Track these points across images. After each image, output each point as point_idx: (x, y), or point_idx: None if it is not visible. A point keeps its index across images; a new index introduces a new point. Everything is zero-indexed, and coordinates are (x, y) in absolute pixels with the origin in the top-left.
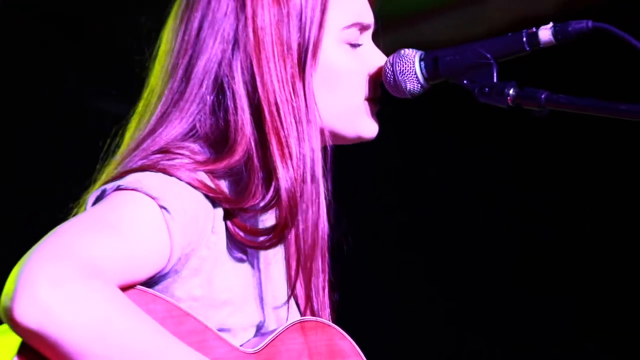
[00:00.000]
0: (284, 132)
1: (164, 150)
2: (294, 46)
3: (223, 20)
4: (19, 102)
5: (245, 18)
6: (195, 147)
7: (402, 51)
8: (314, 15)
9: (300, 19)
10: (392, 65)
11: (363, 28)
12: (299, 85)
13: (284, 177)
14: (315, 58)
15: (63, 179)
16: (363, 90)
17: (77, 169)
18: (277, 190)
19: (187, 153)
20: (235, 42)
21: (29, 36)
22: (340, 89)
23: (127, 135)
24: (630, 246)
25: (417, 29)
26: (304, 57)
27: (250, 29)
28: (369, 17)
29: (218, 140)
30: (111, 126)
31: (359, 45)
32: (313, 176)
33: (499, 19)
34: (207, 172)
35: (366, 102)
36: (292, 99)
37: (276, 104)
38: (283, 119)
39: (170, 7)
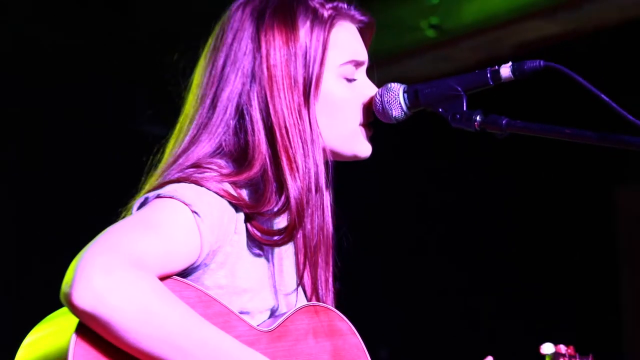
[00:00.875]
0: (292, 150)
1: (195, 165)
2: (300, 80)
3: (243, 59)
4: (84, 125)
5: (261, 57)
6: (221, 162)
7: (389, 85)
8: (316, 54)
9: (305, 58)
10: (381, 96)
11: (358, 64)
12: (304, 112)
13: (293, 187)
14: (318, 90)
15: (114, 189)
16: (358, 117)
17: (125, 181)
18: (288, 198)
19: (214, 167)
20: (253, 76)
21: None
22: (338, 115)
23: (166, 152)
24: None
25: (401, 65)
26: (308, 89)
27: (264, 66)
28: (362, 55)
29: (239, 156)
30: (153, 145)
31: (354, 79)
32: (317, 186)
33: (466, 59)
34: (231, 183)
35: (361, 127)
36: (298, 123)
37: (286, 127)
38: (291, 139)
39: (201, 49)
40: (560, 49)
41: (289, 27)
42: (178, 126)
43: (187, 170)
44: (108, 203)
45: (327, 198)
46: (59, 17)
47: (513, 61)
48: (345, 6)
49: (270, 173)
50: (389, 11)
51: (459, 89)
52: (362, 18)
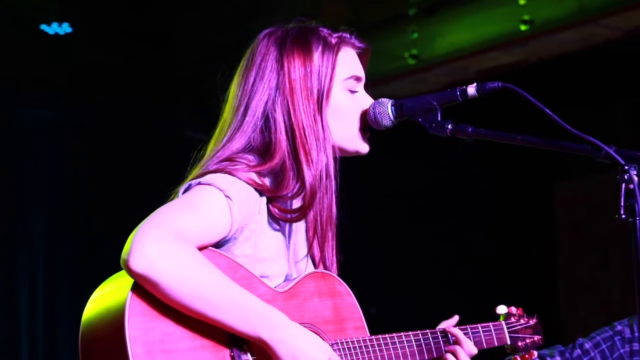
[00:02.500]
0: (308, 145)
1: (229, 159)
2: (315, 92)
3: (269, 75)
4: (142, 130)
5: (284, 73)
6: (249, 157)
7: (380, 100)
8: (327, 72)
9: (319, 75)
10: (373, 109)
11: (357, 79)
12: (318, 116)
13: (308, 175)
14: (328, 99)
15: (164, 179)
16: (358, 122)
17: (171, 174)
18: (303, 184)
19: (244, 161)
20: (277, 88)
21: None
22: (344, 120)
23: (209, 149)
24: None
25: (388, 86)
26: (321, 98)
27: (287, 80)
28: (361, 73)
29: (264, 151)
30: (193, 147)
31: (355, 91)
32: (328, 175)
33: (439, 82)
34: (256, 172)
35: (360, 131)
36: (313, 125)
37: (303, 128)
38: (308, 137)
39: (235, 68)
40: (513, 75)
41: (306, 51)
42: (218, 129)
43: (222, 163)
44: (158, 191)
45: (334, 185)
46: (118, 45)
47: (477, 83)
48: (348, 35)
49: (288, 164)
50: (378, 43)
51: (435, 103)
52: (361, 45)
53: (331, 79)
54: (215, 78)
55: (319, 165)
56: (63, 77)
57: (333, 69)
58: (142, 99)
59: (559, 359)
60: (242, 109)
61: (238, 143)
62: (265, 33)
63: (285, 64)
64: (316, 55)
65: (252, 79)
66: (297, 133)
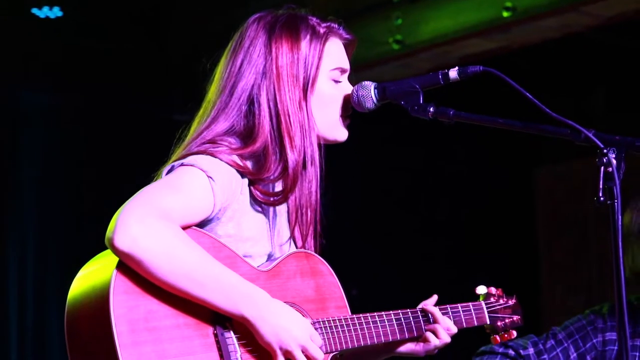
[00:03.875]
0: (292, 131)
1: (211, 141)
2: (301, 79)
3: (257, 59)
4: (131, 114)
5: (271, 59)
6: (231, 139)
7: (363, 82)
8: (313, 60)
9: (305, 62)
10: (356, 91)
11: (343, 71)
12: (303, 103)
13: (291, 159)
14: (314, 88)
15: (153, 162)
16: (339, 110)
17: (163, 156)
18: (286, 168)
19: (226, 143)
20: (264, 73)
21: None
22: (326, 108)
23: (192, 130)
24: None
25: (372, 71)
26: (306, 86)
27: (274, 66)
28: (346, 64)
29: (246, 134)
30: (178, 128)
31: (339, 82)
32: (312, 161)
33: (422, 67)
34: (238, 155)
35: (341, 118)
36: (298, 112)
37: (288, 114)
38: (292, 123)
39: (222, 51)
40: (495, 61)
41: (294, 38)
42: (202, 110)
43: (204, 145)
44: (147, 173)
45: (318, 171)
46: (108, 29)
47: (459, 66)
48: (336, 26)
49: (271, 148)
50: (363, 29)
51: (417, 86)
52: (347, 37)
53: (317, 68)
54: (206, 63)
55: (302, 151)
56: (54, 60)
57: (320, 58)
58: (132, 83)
59: (532, 350)
60: (227, 91)
61: (221, 125)
62: (255, 17)
63: (274, 50)
64: (304, 43)
65: (239, 62)
66: (282, 118)
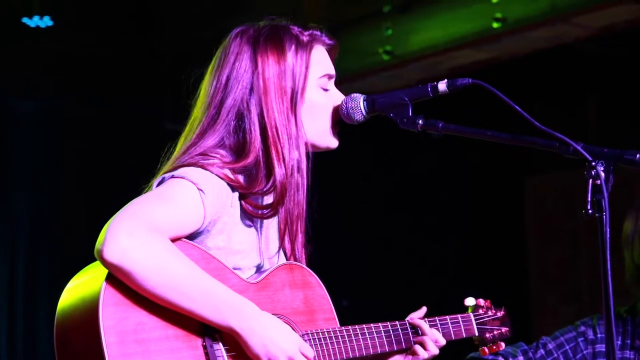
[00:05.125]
0: (280, 145)
1: (202, 154)
2: (289, 91)
3: (243, 74)
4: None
5: (258, 73)
6: (223, 152)
7: (353, 95)
8: (301, 70)
9: (293, 73)
10: (346, 104)
11: (330, 77)
12: (291, 115)
13: (279, 173)
14: (303, 98)
15: (143, 170)
16: (330, 118)
17: (153, 165)
18: (274, 181)
19: (217, 156)
20: (251, 88)
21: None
22: (317, 117)
23: (178, 146)
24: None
25: (362, 81)
26: (295, 97)
27: (260, 80)
28: (332, 70)
29: (238, 149)
30: (175, 138)
31: (327, 89)
32: (299, 170)
33: (412, 78)
34: (230, 169)
35: (331, 127)
36: (287, 124)
37: (276, 127)
38: (280, 136)
39: (207, 66)
40: (485, 72)
41: (279, 50)
42: (188, 127)
43: (195, 157)
44: (137, 182)
45: (304, 181)
46: (99, 37)
47: (448, 79)
48: (318, 33)
49: (262, 162)
50: (353, 40)
51: (406, 99)
52: (330, 42)
53: (305, 77)
54: (195, 73)
55: (290, 163)
56: (45, 68)
57: (307, 68)
58: (123, 90)
59: (522, 358)
60: (213, 107)
61: (209, 141)
62: (237, 32)
63: (259, 64)
64: (290, 54)
65: (224, 78)
66: (269, 132)
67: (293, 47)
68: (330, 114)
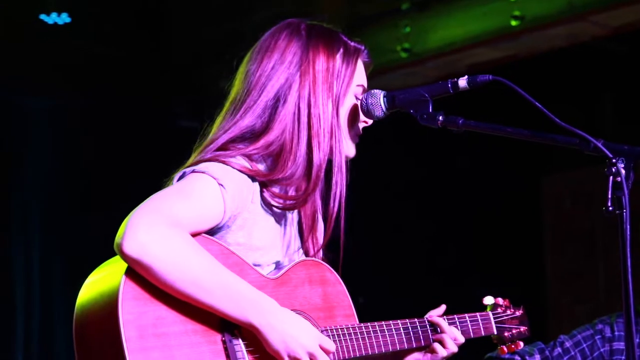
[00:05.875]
0: (322, 135)
1: (222, 148)
2: (334, 89)
3: (292, 59)
4: (136, 120)
5: (308, 61)
6: (241, 145)
7: (373, 91)
8: (346, 74)
9: (339, 74)
10: (366, 100)
11: (364, 89)
12: (334, 112)
13: (317, 161)
14: (344, 100)
15: (157, 168)
16: (357, 127)
17: (166, 162)
18: (310, 168)
19: (235, 149)
20: (300, 74)
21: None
22: (347, 122)
23: (214, 127)
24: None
25: (380, 79)
26: (338, 97)
27: (311, 68)
28: (366, 83)
29: (262, 128)
30: (188, 135)
31: (359, 99)
32: (340, 167)
33: (430, 75)
34: (248, 156)
35: (355, 136)
36: (330, 118)
37: (321, 118)
38: (322, 127)
39: (246, 52)
40: (502, 69)
41: (330, 49)
42: (228, 105)
43: (216, 152)
44: (151, 179)
45: (344, 179)
46: (115, 35)
47: (468, 75)
48: (362, 47)
49: (288, 147)
50: (372, 37)
51: (426, 95)
52: (368, 60)
53: (349, 82)
54: (207, 70)
55: (327, 155)
56: (61, 66)
57: (352, 73)
58: (137, 89)
59: (538, 357)
60: (258, 88)
61: (247, 120)
62: (290, 22)
63: (311, 55)
64: (338, 56)
65: (273, 62)
66: (313, 120)
67: (342, 50)
68: (356, 122)
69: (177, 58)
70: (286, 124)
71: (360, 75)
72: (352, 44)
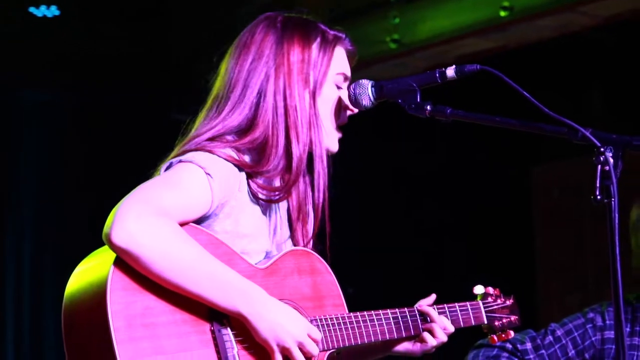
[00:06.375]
0: (299, 126)
1: (210, 139)
2: (311, 79)
3: (268, 54)
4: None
5: (283, 55)
6: (229, 137)
7: (360, 81)
8: (323, 63)
9: (315, 64)
10: (354, 89)
11: (345, 78)
12: (311, 102)
13: (296, 153)
14: (321, 89)
15: (151, 161)
16: (339, 119)
17: (157, 153)
18: (290, 161)
19: (224, 139)
20: (275, 67)
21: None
22: (327, 113)
23: (196, 124)
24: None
25: (369, 70)
26: (314, 87)
27: (285, 60)
28: (349, 71)
29: (247, 125)
30: (177, 127)
31: (341, 88)
32: (321, 158)
33: (419, 66)
34: (234, 147)
35: (336, 129)
36: (307, 109)
37: (297, 109)
38: (300, 118)
39: (224, 49)
40: (492, 60)
41: (305, 40)
42: (209, 104)
43: (202, 143)
44: (143, 169)
45: (325, 170)
46: (106, 28)
47: (456, 64)
48: (343, 35)
49: (271, 141)
50: (361, 28)
51: (414, 85)
52: (351, 48)
53: (325, 72)
54: (203, 62)
55: (307, 146)
56: (52, 59)
57: (329, 61)
58: (131, 81)
59: (529, 345)
60: (239, 86)
61: (235, 120)
62: (267, 15)
63: (286, 47)
64: (315, 46)
65: (250, 57)
66: (290, 112)
67: (319, 39)
68: (338, 114)
69: (173, 49)
70: (268, 118)
71: (340, 63)
72: (332, 32)
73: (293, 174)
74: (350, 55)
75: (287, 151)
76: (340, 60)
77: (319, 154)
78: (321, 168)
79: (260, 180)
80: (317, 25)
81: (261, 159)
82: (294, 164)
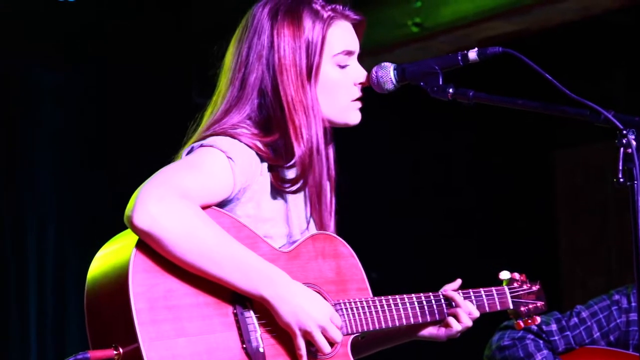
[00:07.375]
0: (297, 121)
1: (232, 125)
2: (304, 67)
3: (261, 50)
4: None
5: (273, 49)
6: (251, 124)
7: (383, 64)
8: (316, 47)
9: (308, 49)
10: (376, 73)
11: (349, 53)
12: (307, 91)
13: (298, 149)
14: (317, 75)
15: (165, 141)
16: (349, 94)
17: (176, 134)
18: (294, 158)
19: (246, 127)
20: (268, 65)
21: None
22: (332, 94)
23: (204, 119)
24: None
25: (391, 54)
26: (309, 74)
27: (276, 57)
28: (353, 46)
29: (265, 126)
30: (196, 108)
31: (346, 65)
32: (318, 149)
33: (441, 50)
34: (260, 141)
35: (352, 102)
36: (302, 101)
37: (292, 104)
38: (296, 112)
39: (229, 40)
40: (514, 43)
41: (296, 25)
42: (213, 100)
43: (224, 127)
44: (161, 151)
45: (330, 155)
46: (127, 7)
47: (478, 47)
48: (341, 7)
49: (286, 139)
50: (382, 12)
51: (437, 67)
52: (355, 17)
53: (320, 55)
54: (223, 44)
55: (308, 139)
56: (72, 39)
57: (322, 44)
58: (150, 62)
59: (554, 326)
60: (237, 84)
61: (235, 118)
62: (260, 5)
63: (275, 39)
64: (307, 29)
65: (245, 53)
66: (285, 107)
67: (311, 22)
68: (349, 90)
69: (193, 29)
70: (278, 121)
71: (338, 41)
72: (328, 8)
73: (299, 169)
74: (358, 25)
75: (289, 147)
76: (338, 38)
77: (315, 146)
78: (322, 158)
79: (277, 172)
80: (310, 5)
81: (278, 155)
82: (298, 160)
